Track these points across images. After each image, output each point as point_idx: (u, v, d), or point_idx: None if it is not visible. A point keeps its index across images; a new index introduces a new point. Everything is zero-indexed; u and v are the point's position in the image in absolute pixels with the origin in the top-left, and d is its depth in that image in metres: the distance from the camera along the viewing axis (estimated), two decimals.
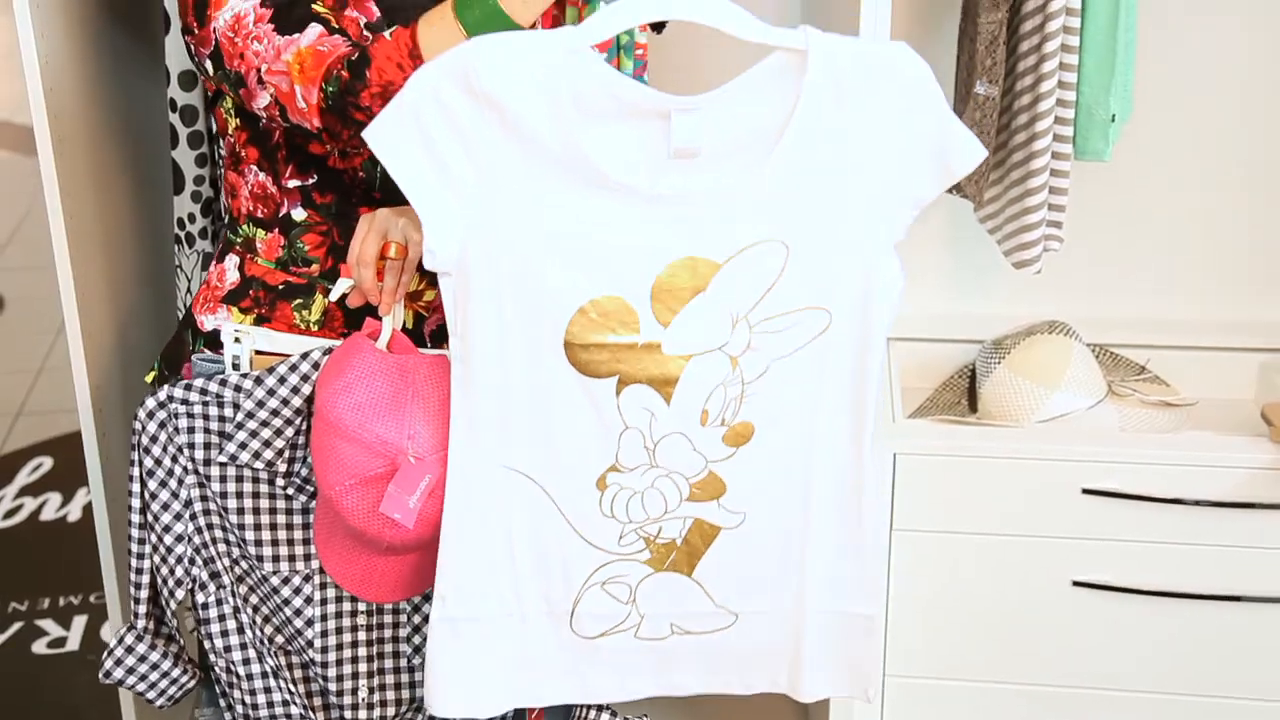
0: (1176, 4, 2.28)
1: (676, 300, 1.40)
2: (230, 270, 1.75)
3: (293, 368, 1.62)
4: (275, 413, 1.63)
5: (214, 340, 1.73)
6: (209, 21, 1.58)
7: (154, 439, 1.65)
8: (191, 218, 2.12)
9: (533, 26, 1.49)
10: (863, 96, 1.37)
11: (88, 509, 2.99)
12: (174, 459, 1.67)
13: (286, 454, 1.66)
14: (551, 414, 1.45)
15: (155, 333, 2.24)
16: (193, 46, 1.63)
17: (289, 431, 1.65)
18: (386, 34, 1.50)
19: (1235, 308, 2.41)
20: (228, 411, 1.65)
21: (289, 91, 1.52)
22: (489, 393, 1.45)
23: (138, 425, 1.65)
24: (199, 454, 1.67)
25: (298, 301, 1.73)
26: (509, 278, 1.39)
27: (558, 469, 1.48)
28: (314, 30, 1.54)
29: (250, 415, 1.63)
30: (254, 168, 1.71)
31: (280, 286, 1.73)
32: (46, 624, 2.90)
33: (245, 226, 1.74)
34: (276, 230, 1.72)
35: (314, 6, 1.58)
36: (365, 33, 1.62)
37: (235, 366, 1.67)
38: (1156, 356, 2.35)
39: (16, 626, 2.89)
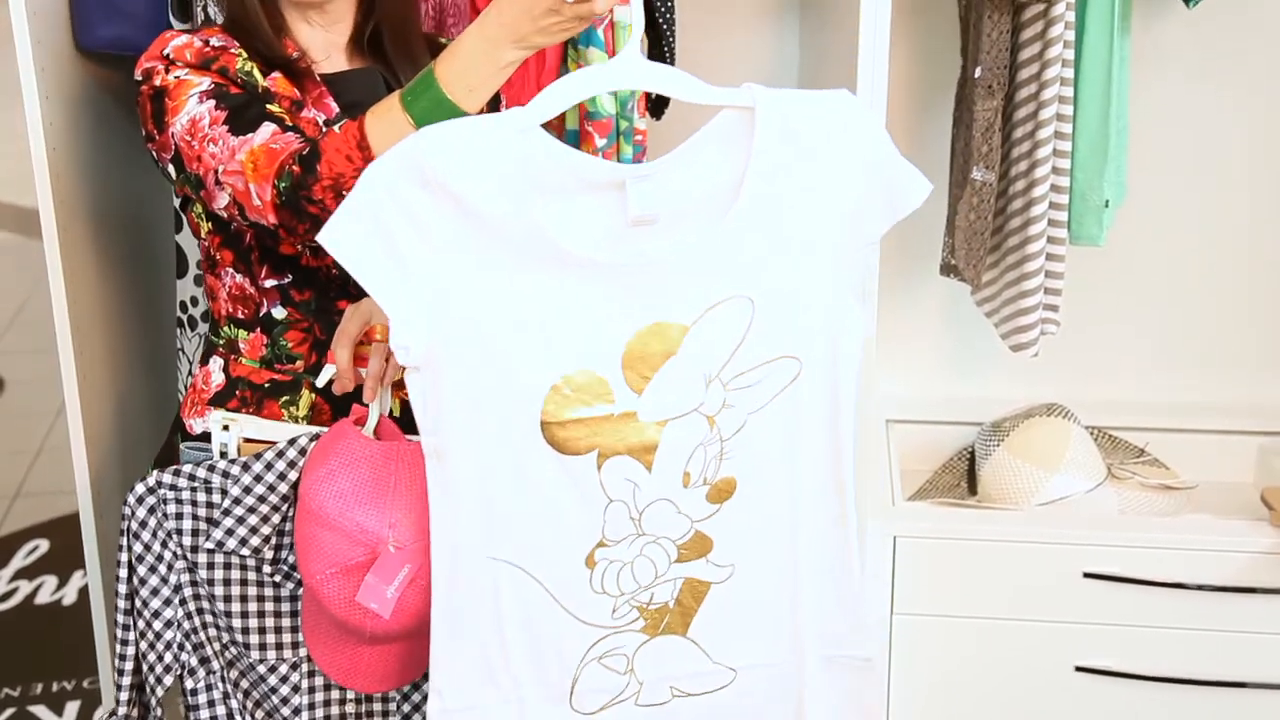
0: (1169, 90, 2.32)
1: (648, 367, 1.40)
2: (215, 372, 1.76)
3: (279, 454, 1.62)
4: (262, 499, 1.63)
5: (203, 444, 1.73)
6: (167, 127, 1.60)
7: (143, 524, 1.65)
8: (194, 301, 2.14)
9: (482, 112, 1.50)
10: (811, 146, 1.38)
11: (83, 592, 2.97)
12: (163, 544, 1.66)
13: (273, 541, 1.65)
14: (534, 499, 1.43)
15: (156, 415, 2.25)
16: (154, 153, 1.64)
17: (275, 518, 1.64)
18: (336, 128, 1.51)
19: (1233, 391, 2.42)
20: (215, 498, 1.64)
21: (245, 190, 1.53)
22: (469, 486, 1.42)
23: (127, 510, 1.65)
24: (187, 540, 1.66)
25: (284, 399, 1.73)
26: (479, 365, 1.37)
27: (545, 553, 1.45)
28: (267, 129, 1.55)
29: (237, 501, 1.63)
30: (230, 270, 1.72)
31: (266, 385, 1.73)
32: (39, 710, 2.87)
33: (226, 328, 1.75)
34: (258, 330, 1.73)
35: (268, 106, 1.60)
36: (323, 130, 1.63)
37: (223, 455, 1.67)
38: (1155, 439, 2.35)
39: (9, 713, 2.86)
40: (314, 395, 1.72)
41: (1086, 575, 1.99)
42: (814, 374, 1.44)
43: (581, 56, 1.99)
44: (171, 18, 2.02)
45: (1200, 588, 1.97)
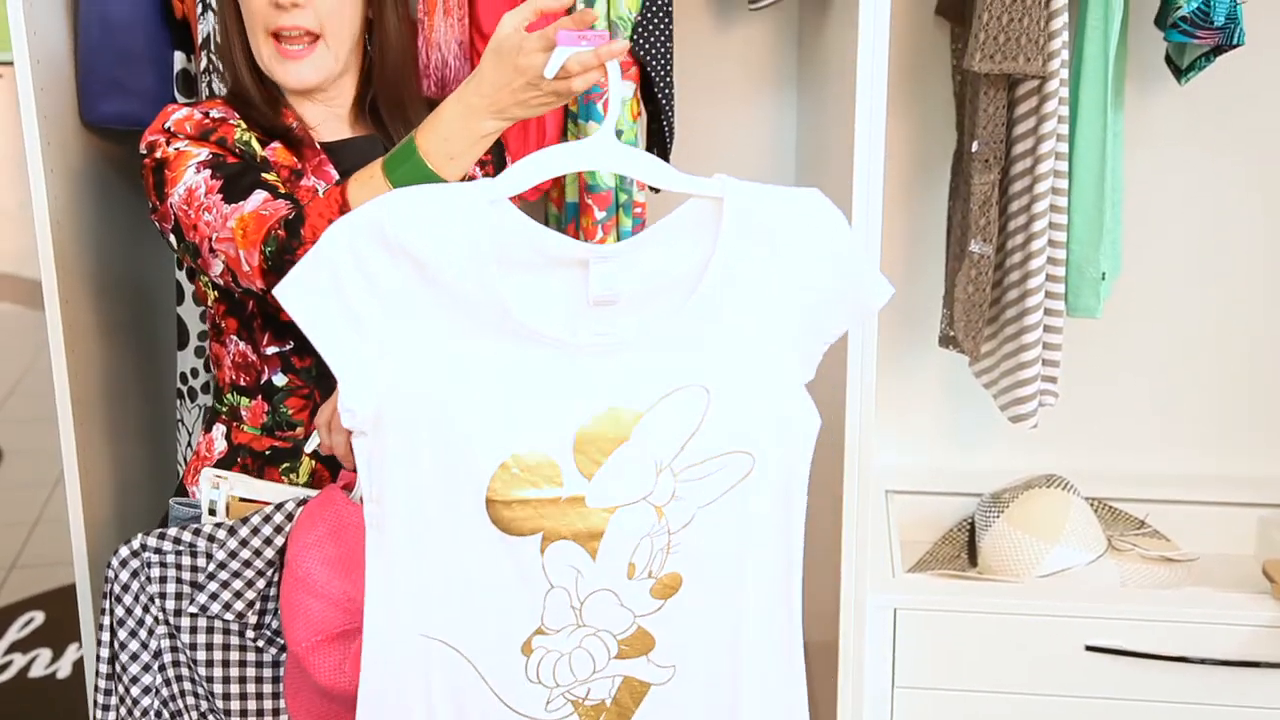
0: (1163, 164, 2.34)
1: (600, 452, 1.37)
2: (218, 440, 1.77)
3: (266, 518, 1.62)
4: (247, 564, 1.63)
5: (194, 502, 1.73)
6: (167, 198, 1.62)
7: (125, 588, 1.64)
8: (194, 372, 2.14)
9: (462, 178, 1.51)
10: (778, 241, 1.38)
11: (78, 665, 2.95)
12: (145, 609, 1.65)
13: (257, 606, 1.65)
14: (473, 577, 1.38)
15: (154, 487, 2.24)
16: (157, 224, 1.66)
17: (260, 583, 1.64)
18: (321, 193, 1.52)
19: (1233, 462, 2.42)
20: (200, 561, 1.63)
21: (235, 256, 1.55)
22: (406, 557, 1.38)
23: (110, 574, 1.64)
24: (170, 604, 1.65)
25: (284, 466, 1.74)
26: (428, 434, 1.34)
27: (480, 636, 1.40)
28: (258, 196, 1.57)
29: (222, 566, 1.62)
30: (234, 337, 1.74)
31: (267, 452, 1.74)
32: None
33: (230, 395, 1.76)
34: (259, 397, 1.74)
35: (264, 175, 1.62)
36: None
37: (212, 512, 1.67)
38: (1155, 511, 2.35)
39: None
40: (314, 463, 1.73)
41: (1089, 648, 1.98)
42: (766, 471, 1.42)
43: (581, 130, 2.01)
44: (176, 93, 2.05)
45: (1203, 662, 1.96)
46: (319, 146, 1.73)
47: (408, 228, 1.30)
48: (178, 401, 2.17)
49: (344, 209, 1.48)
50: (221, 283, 1.61)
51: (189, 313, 2.12)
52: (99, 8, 1.98)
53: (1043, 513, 2.21)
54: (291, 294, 1.32)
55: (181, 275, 2.10)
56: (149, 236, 2.23)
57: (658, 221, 1.36)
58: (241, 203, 1.56)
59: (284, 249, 1.50)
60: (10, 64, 1.86)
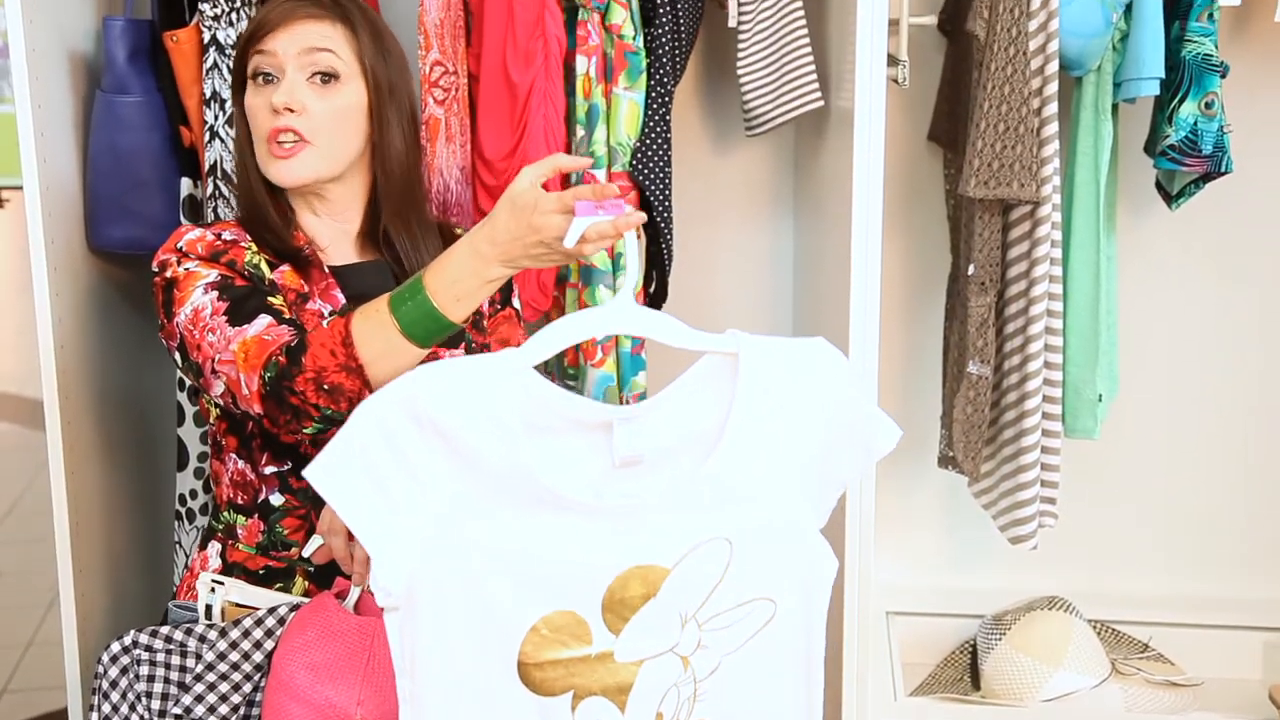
0: (1158, 286, 2.36)
1: (628, 609, 1.39)
2: (213, 557, 1.76)
3: (258, 622, 1.61)
4: (235, 666, 1.61)
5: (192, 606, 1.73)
6: (174, 316, 1.64)
7: (114, 684, 1.63)
8: (193, 494, 2.14)
9: (467, 321, 1.53)
10: (789, 391, 1.41)
11: None
12: (131, 707, 1.63)
13: (241, 711, 1.63)
14: None
15: (150, 609, 2.22)
16: (165, 341, 1.68)
17: (247, 687, 1.62)
18: (325, 322, 1.53)
19: (1237, 584, 2.41)
20: (189, 662, 1.63)
21: (236, 379, 1.56)
22: None
23: (100, 669, 1.63)
24: (155, 704, 1.63)
25: (279, 585, 1.73)
26: (459, 604, 1.36)
27: None
28: (262, 320, 1.59)
29: (210, 668, 1.61)
30: (233, 455, 1.74)
31: (261, 571, 1.73)
32: None
33: (226, 513, 1.76)
34: (256, 516, 1.74)
35: (269, 299, 1.64)
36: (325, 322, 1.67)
37: (208, 615, 1.67)
38: (1158, 634, 2.33)
39: None
40: (307, 583, 1.72)
41: None
42: (788, 616, 1.44)
43: (592, 296, 2.05)
44: (183, 219, 2.08)
45: None
46: (327, 270, 1.75)
47: (438, 401, 1.32)
48: (176, 523, 2.16)
49: (346, 340, 1.50)
50: (222, 404, 1.62)
51: (189, 434, 2.13)
52: (109, 136, 2.02)
53: (1045, 636, 2.19)
54: (323, 473, 1.33)
55: (183, 396, 2.11)
56: (151, 359, 2.24)
57: (675, 380, 1.39)
58: (245, 326, 1.58)
59: (283, 375, 1.51)
60: (19, 188, 1.89)
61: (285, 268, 1.72)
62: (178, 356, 1.65)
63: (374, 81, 1.73)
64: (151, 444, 2.26)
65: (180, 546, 2.17)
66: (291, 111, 1.69)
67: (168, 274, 1.67)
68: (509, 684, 1.37)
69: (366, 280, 1.75)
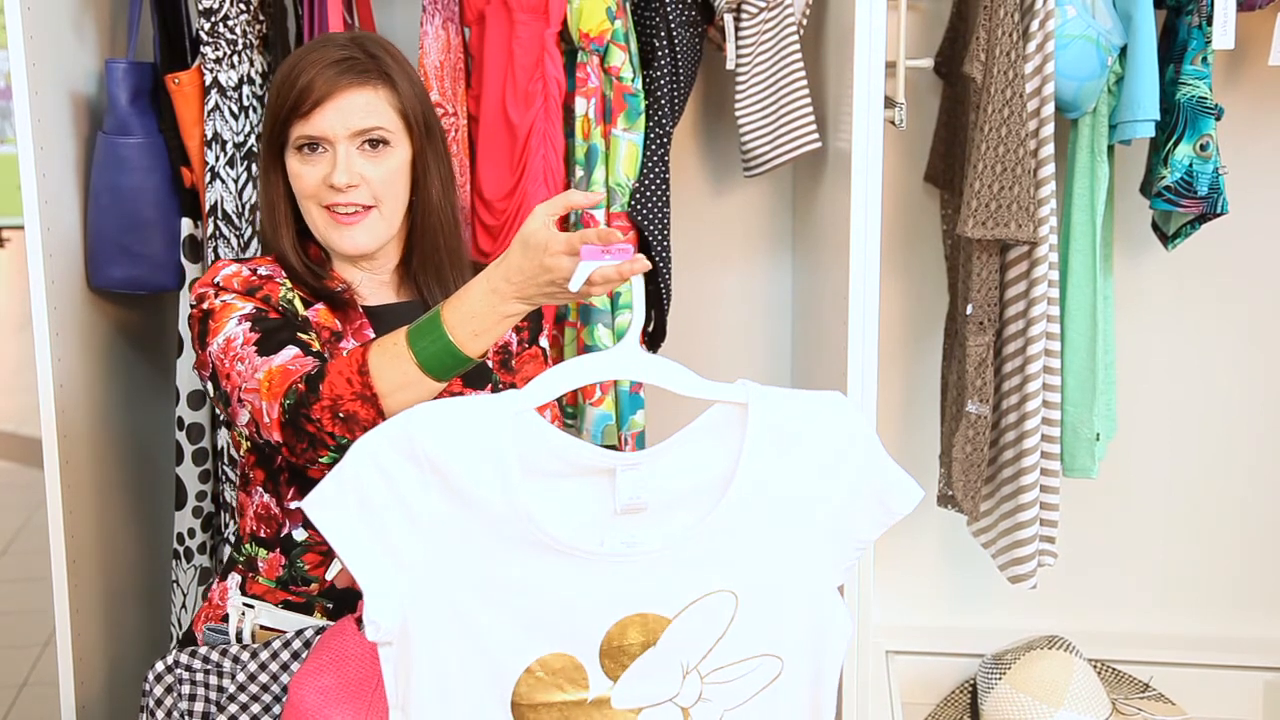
0: (1156, 326, 2.37)
1: (626, 656, 1.37)
2: (232, 589, 1.76)
3: (285, 644, 1.63)
4: (265, 688, 1.63)
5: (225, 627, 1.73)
6: (208, 346, 1.65)
7: (159, 702, 1.66)
8: (191, 533, 2.14)
9: (484, 356, 1.53)
10: (802, 445, 1.38)
11: None
12: None
13: None
14: None
15: (147, 648, 2.22)
16: (198, 372, 1.70)
17: (276, 709, 1.63)
18: (345, 351, 1.54)
19: (1237, 624, 2.40)
20: (225, 682, 1.65)
21: (259, 408, 1.56)
22: None
23: (146, 686, 1.66)
24: None
25: (298, 615, 1.72)
26: (453, 642, 1.34)
27: None
28: (289, 352, 1.60)
29: (242, 688, 1.63)
30: (260, 489, 1.75)
31: (280, 606, 1.73)
32: None
33: (248, 545, 1.77)
34: (278, 550, 1.74)
35: (299, 334, 1.65)
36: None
37: (238, 637, 1.68)
38: (1159, 673, 2.32)
39: None
40: (326, 619, 1.72)
41: None
42: (795, 674, 1.41)
43: (588, 334, 2.06)
44: (183, 259, 2.09)
45: None
46: (362, 310, 1.76)
47: (435, 440, 1.31)
48: (174, 562, 2.16)
49: (362, 369, 1.50)
50: (247, 432, 1.62)
51: (188, 473, 2.13)
52: (110, 177, 2.03)
53: (1045, 675, 2.18)
54: (319, 508, 1.33)
55: (181, 435, 2.11)
56: (150, 398, 2.25)
57: (683, 428, 1.37)
58: (273, 356, 1.59)
59: (301, 403, 1.51)
60: (21, 228, 1.90)
61: (320, 306, 1.74)
62: (210, 386, 1.67)
63: (417, 130, 1.74)
64: (150, 483, 2.26)
65: (178, 585, 2.16)
66: (354, 187, 1.70)
67: (204, 306, 1.68)
68: None
69: (401, 320, 1.75)
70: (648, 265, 1.42)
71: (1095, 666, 2.27)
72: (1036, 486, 2.04)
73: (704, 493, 1.37)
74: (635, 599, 1.36)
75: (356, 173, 1.70)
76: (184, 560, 2.14)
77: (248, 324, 1.63)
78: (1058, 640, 2.24)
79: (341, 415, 1.50)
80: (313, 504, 1.32)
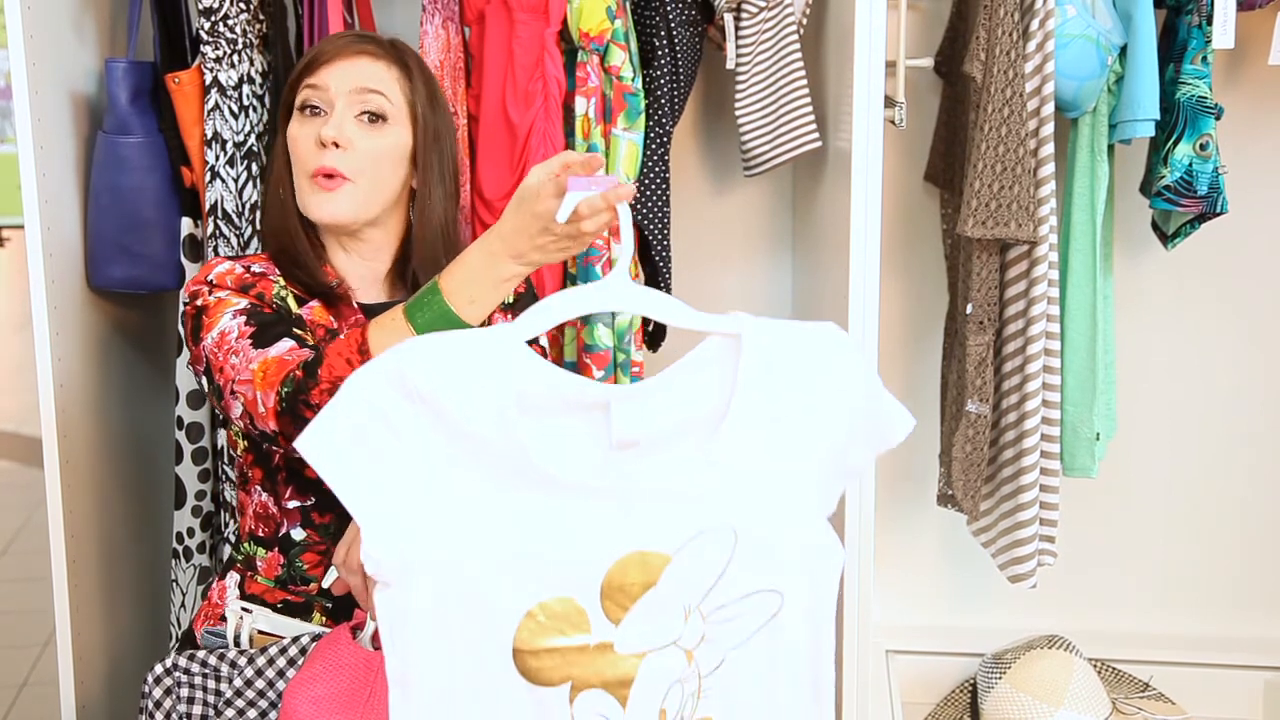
0: (1156, 325, 2.37)
1: (627, 597, 1.34)
2: (231, 588, 1.76)
3: (281, 650, 1.63)
4: (261, 694, 1.63)
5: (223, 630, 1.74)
6: (201, 341, 1.65)
7: (158, 704, 1.66)
8: (190, 532, 2.14)
9: (483, 324, 1.53)
10: (797, 375, 1.36)
11: None
12: None
13: None
14: None
15: (147, 648, 2.22)
16: (192, 368, 1.70)
17: (272, 715, 1.64)
18: (343, 334, 1.54)
19: (1237, 624, 2.40)
20: (223, 686, 1.65)
21: (253, 399, 1.56)
22: (432, 713, 1.34)
23: (146, 689, 1.66)
24: None
25: (295, 620, 1.73)
26: (452, 585, 1.31)
27: None
28: (284, 344, 1.60)
29: (238, 693, 1.63)
30: (258, 488, 1.75)
31: (279, 605, 1.73)
32: None
33: (247, 545, 1.77)
34: (276, 549, 1.74)
35: (294, 329, 1.65)
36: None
37: (236, 641, 1.69)
38: (1159, 673, 2.32)
39: None
40: (324, 618, 1.72)
41: None
42: (795, 608, 1.40)
43: (587, 333, 2.06)
44: (183, 258, 2.09)
45: None
46: (356, 306, 1.76)
47: (427, 375, 1.29)
48: (173, 562, 2.16)
49: (363, 350, 1.50)
50: (240, 426, 1.62)
51: (187, 472, 2.13)
52: (110, 177, 2.03)
53: (1046, 675, 2.18)
54: (312, 444, 1.30)
55: (181, 435, 2.11)
56: (150, 398, 2.25)
57: (677, 361, 1.36)
58: (268, 348, 1.59)
59: (299, 389, 1.52)
60: (20, 227, 1.90)
61: (314, 303, 1.74)
62: (204, 381, 1.67)
63: (421, 127, 1.74)
64: (149, 482, 2.26)
65: (177, 585, 2.16)
66: (337, 146, 1.70)
67: (198, 302, 1.68)
68: (503, 671, 1.34)
69: None
70: (633, 190, 1.42)
71: (1095, 666, 2.27)
72: (1036, 486, 2.04)
73: (699, 426, 1.35)
74: (633, 536, 1.34)
75: (347, 136, 1.70)
76: (183, 560, 2.14)
77: (242, 318, 1.63)
78: (1058, 640, 2.24)
79: None
80: (306, 441, 1.30)
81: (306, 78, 1.73)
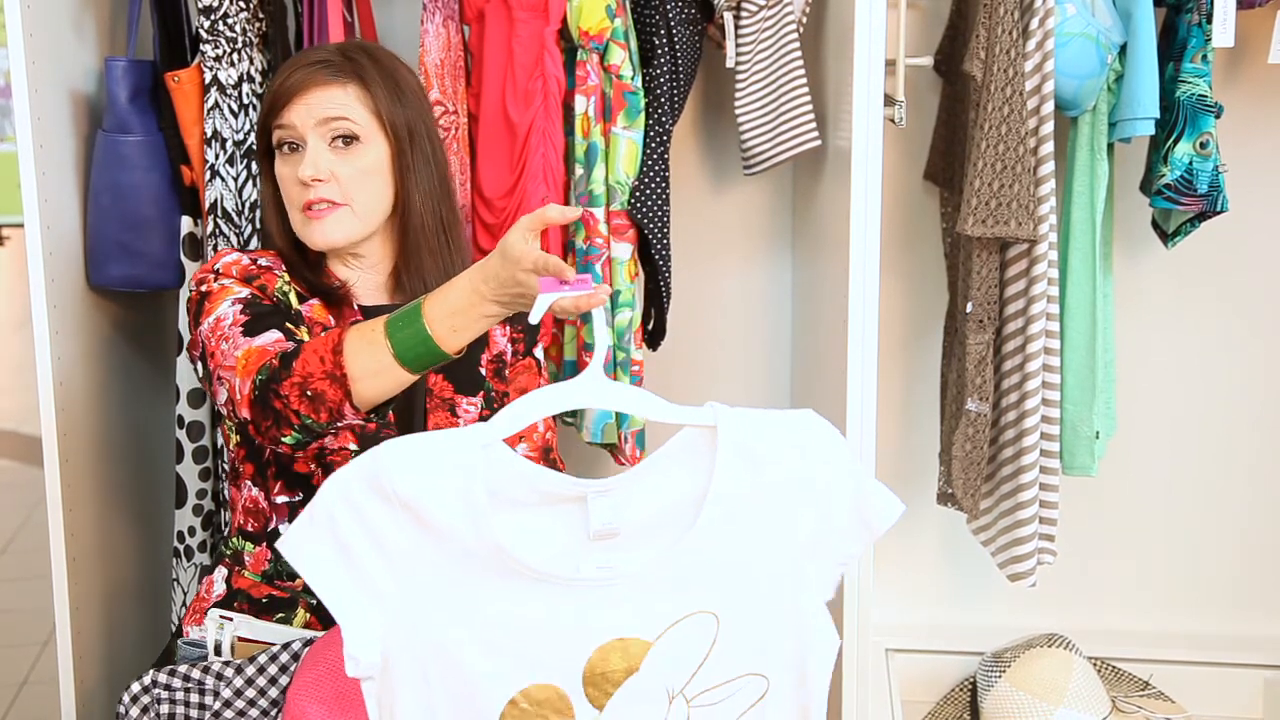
0: (1155, 324, 2.37)
1: (610, 683, 1.36)
2: (218, 582, 1.77)
3: (272, 658, 1.62)
4: (251, 703, 1.62)
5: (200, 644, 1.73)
6: (200, 325, 1.67)
7: None
8: (191, 531, 2.14)
9: (460, 353, 1.53)
10: (775, 464, 1.37)
11: None
12: None
13: None
14: None
15: (148, 646, 2.22)
16: (189, 351, 1.71)
17: None
18: (324, 331, 1.55)
19: (1237, 622, 2.40)
20: (208, 699, 1.63)
21: (234, 385, 1.57)
22: None
23: (121, 709, 1.64)
24: None
25: (280, 615, 1.73)
26: (435, 675, 1.34)
27: None
28: (271, 335, 1.61)
29: (227, 704, 1.62)
30: (249, 482, 1.75)
31: (264, 600, 1.73)
32: None
33: (235, 539, 1.77)
34: (264, 544, 1.75)
35: (287, 323, 1.65)
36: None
37: (217, 651, 1.67)
38: (1159, 671, 2.32)
39: None
40: (309, 615, 1.72)
41: None
42: (782, 694, 1.41)
43: (587, 332, 2.06)
44: (183, 257, 2.09)
45: None
46: (357, 308, 1.77)
47: (403, 479, 1.31)
48: (174, 560, 2.16)
49: (336, 349, 1.50)
50: (224, 413, 1.63)
51: (188, 471, 2.13)
52: (110, 175, 2.03)
53: (1045, 673, 2.18)
54: (293, 546, 1.33)
55: (182, 434, 2.12)
56: (150, 397, 2.25)
57: (653, 453, 1.37)
58: (255, 337, 1.60)
59: (272, 378, 1.52)
60: (20, 226, 1.89)
61: (315, 301, 1.75)
62: (199, 366, 1.68)
63: (394, 133, 1.75)
64: (150, 481, 2.26)
65: (178, 584, 2.16)
66: (320, 181, 1.71)
67: (203, 289, 1.70)
68: None
69: None
70: (605, 299, 1.42)
71: (1095, 664, 2.27)
72: (1036, 484, 2.04)
73: (677, 515, 1.36)
74: (614, 625, 1.35)
75: (325, 168, 1.71)
76: (184, 558, 2.14)
77: (239, 306, 1.65)
78: (1057, 638, 2.24)
79: (309, 393, 1.50)
80: (287, 543, 1.33)
81: (274, 120, 1.74)
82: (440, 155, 1.82)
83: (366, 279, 1.80)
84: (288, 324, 1.65)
